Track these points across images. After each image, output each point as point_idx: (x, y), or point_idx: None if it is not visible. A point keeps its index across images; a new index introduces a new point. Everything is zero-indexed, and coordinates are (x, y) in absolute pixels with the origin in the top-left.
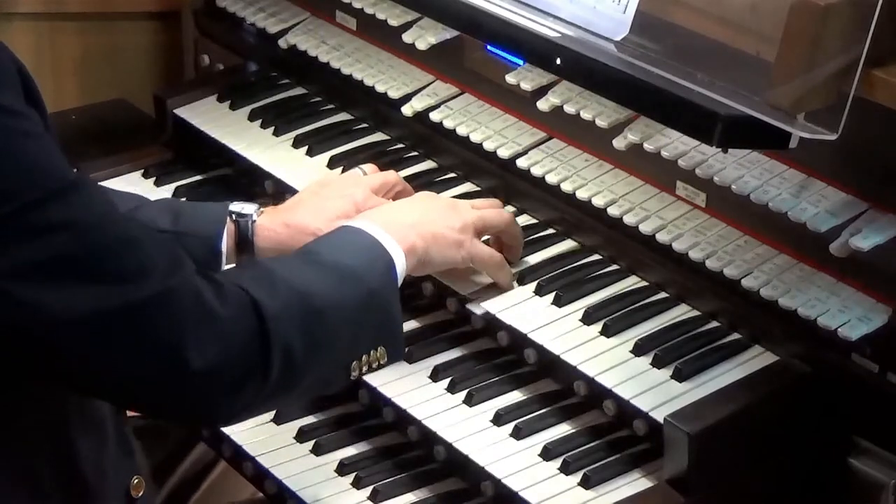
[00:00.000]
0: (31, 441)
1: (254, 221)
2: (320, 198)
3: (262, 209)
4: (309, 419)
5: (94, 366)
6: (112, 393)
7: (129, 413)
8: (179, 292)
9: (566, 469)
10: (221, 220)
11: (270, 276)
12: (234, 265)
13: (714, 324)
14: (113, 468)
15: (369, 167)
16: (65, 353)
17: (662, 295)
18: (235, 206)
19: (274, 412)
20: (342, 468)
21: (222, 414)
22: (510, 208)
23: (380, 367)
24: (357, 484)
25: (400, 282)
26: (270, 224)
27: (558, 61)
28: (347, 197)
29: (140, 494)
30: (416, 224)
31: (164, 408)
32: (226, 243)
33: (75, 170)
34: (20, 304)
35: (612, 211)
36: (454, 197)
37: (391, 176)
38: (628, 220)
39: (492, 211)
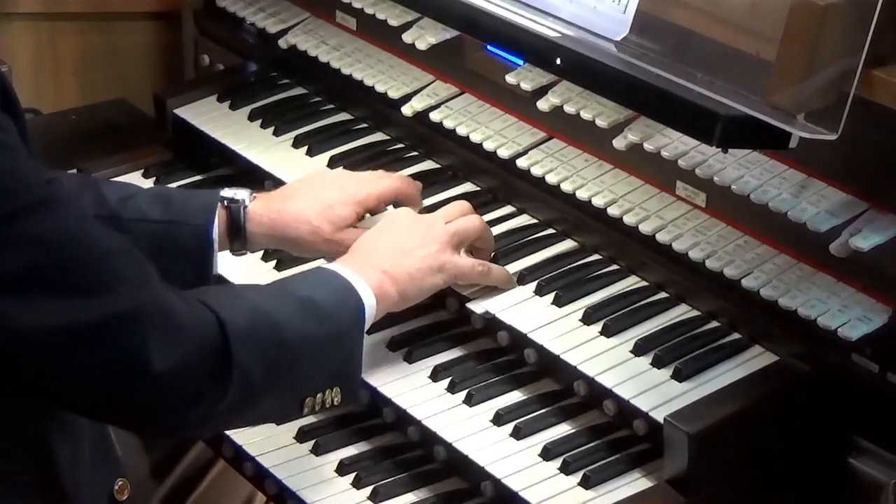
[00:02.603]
0: (6, 447)
1: (246, 207)
2: (315, 186)
3: (254, 195)
4: (309, 419)
5: (58, 377)
6: (75, 403)
7: None
8: (147, 308)
9: (566, 469)
10: (213, 207)
11: (240, 299)
12: (225, 249)
13: (714, 324)
14: (93, 472)
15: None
16: (30, 364)
17: (662, 295)
18: (227, 192)
19: None
20: (342, 468)
21: (178, 423)
22: (510, 208)
23: (332, 406)
24: (357, 484)
25: (368, 325)
26: (264, 210)
27: (558, 61)
28: (339, 189)
29: (125, 498)
30: (390, 267)
31: (124, 417)
32: (217, 230)
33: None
34: None
35: (612, 211)
36: (454, 197)
37: (388, 176)
38: (628, 220)
39: (463, 221)
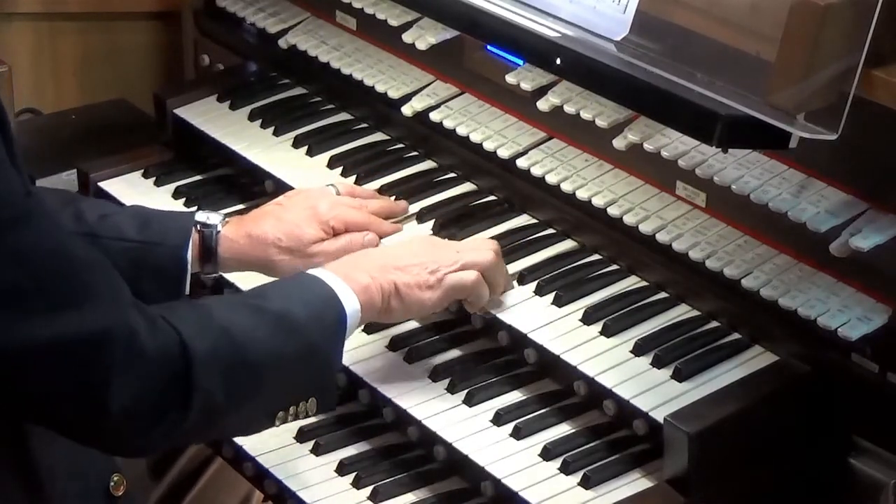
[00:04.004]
0: None
1: (218, 232)
2: (283, 209)
3: (227, 220)
4: (309, 419)
5: (21, 394)
6: (40, 421)
7: None
8: (114, 332)
9: (566, 469)
10: (188, 229)
11: (207, 319)
12: (197, 271)
13: (714, 324)
14: (86, 467)
15: (343, 186)
16: None
17: (662, 295)
18: (201, 216)
19: None
20: (342, 468)
21: (139, 444)
22: (510, 208)
23: (307, 416)
24: (357, 484)
25: (350, 333)
26: (233, 235)
27: (558, 61)
28: (309, 209)
29: (121, 493)
30: (380, 275)
31: (84, 437)
32: (191, 253)
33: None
34: None
35: (612, 211)
36: (453, 197)
37: (359, 190)
38: (628, 220)
39: (473, 252)
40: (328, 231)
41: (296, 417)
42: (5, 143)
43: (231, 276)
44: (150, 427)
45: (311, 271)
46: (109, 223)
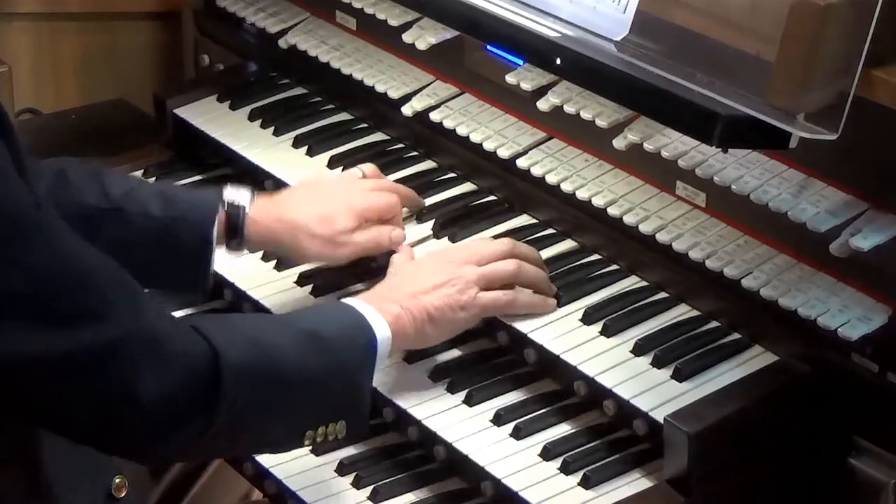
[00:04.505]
0: None
1: (246, 212)
2: (316, 197)
3: (255, 198)
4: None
5: (41, 405)
6: (58, 429)
7: None
8: (136, 337)
9: (566, 469)
10: (214, 207)
11: (238, 330)
12: (223, 248)
13: (714, 324)
14: (89, 469)
15: (368, 167)
16: (11, 390)
17: (662, 295)
18: (229, 195)
19: None
20: (342, 468)
21: (160, 451)
22: (510, 209)
23: (336, 440)
24: (357, 484)
25: (382, 361)
26: (262, 217)
27: (558, 61)
28: (341, 200)
29: (123, 494)
30: (410, 303)
31: (104, 444)
32: (217, 231)
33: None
34: None
35: (612, 211)
36: (453, 197)
37: (387, 183)
38: (628, 220)
39: (493, 267)
40: (360, 223)
41: (325, 439)
42: (12, 154)
43: (231, 276)
44: (174, 432)
45: (343, 300)
46: (135, 198)
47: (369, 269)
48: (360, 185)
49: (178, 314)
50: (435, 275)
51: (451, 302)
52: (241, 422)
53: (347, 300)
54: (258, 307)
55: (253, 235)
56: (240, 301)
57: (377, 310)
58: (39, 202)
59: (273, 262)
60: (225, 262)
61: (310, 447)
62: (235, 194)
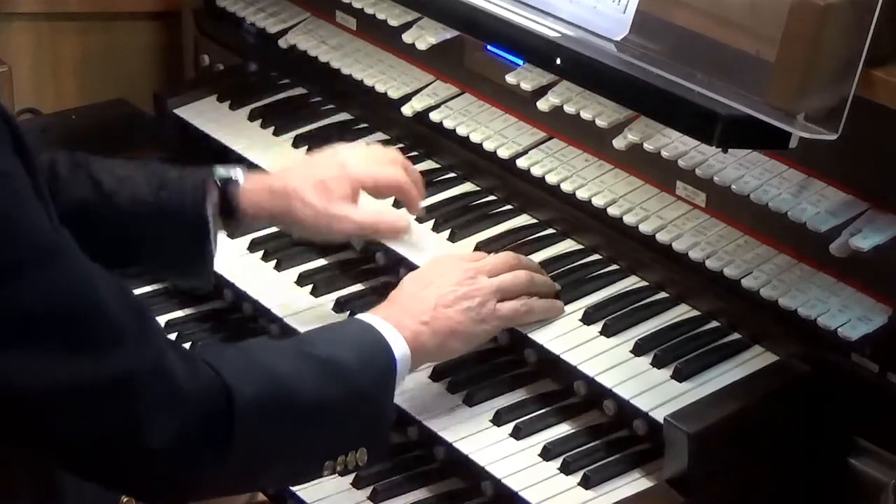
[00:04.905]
0: (5, 467)
1: (238, 184)
2: (308, 164)
3: (247, 173)
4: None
5: (49, 437)
6: (66, 465)
7: None
8: (145, 372)
9: (566, 469)
10: (206, 184)
11: (252, 363)
12: (221, 230)
13: (714, 324)
14: (96, 491)
15: (374, 145)
16: (20, 420)
17: (662, 295)
18: (221, 170)
19: None
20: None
21: (172, 496)
22: (509, 208)
23: (357, 468)
24: (357, 484)
25: (402, 380)
26: (255, 187)
27: (558, 61)
28: (338, 166)
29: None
30: (430, 318)
31: (113, 481)
32: (210, 210)
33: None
34: None
35: (612, 211)
36: (454, 196)
37: (392, 153)
38: (628, 220)
39: (509, 277)
40: (355, 188)
41: (345, 468)
42: (30, 176)
43: (231, 276)
44: (187, 472)
45: (359, 316)
46: (125, 185)
47: (370, 269)
48: (362, 151)
49: (180, 314)
50: (454, 286)
51: (472, 315)
52: (258, 459)
53: (363, 316)
54: (258, 307)
55: (247, 208)
56: (240, 301)
57: (395, 326)
58: (56, 226)
59: (273, 262)
60: (225, 263)
61: (329, 475)
62: (228, 170)
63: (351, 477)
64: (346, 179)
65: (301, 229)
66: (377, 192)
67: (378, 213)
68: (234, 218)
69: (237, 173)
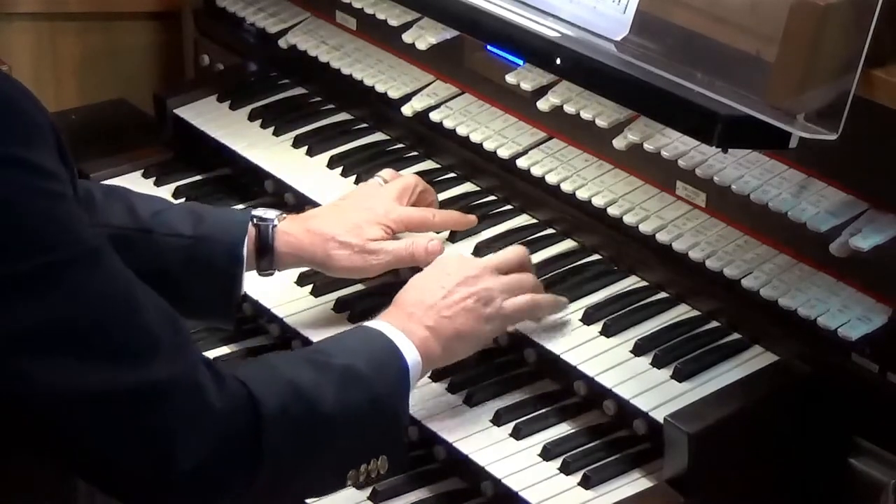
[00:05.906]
0: (26, 479)
1: (275, 226)
2: (340, 209)
3: (283, 215)
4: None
5: (77, 446)
6: (92, 477)
7: None
8: (178, 384)
9: (566, 469)
10: (243, 224)
11: (274, 375)
12: (253, 270)
13: (714, 324)
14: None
15: (388, 173)
16: (49, 427)
17: (662, 295)
18: (258, 211)
19: None
20: None
21: None
22: (509, 208)
23: (379, 477)
24: (357, 484)
25: (413, 385)
26: (291, 229)
27: (558, 61)
28: (367, 210)
29: None
30: (436, 322)
31: (138, 497)
32: (247, 248)
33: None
34: (14, 373)
35: (612, 211)
36: (454, 197)
37: (410, 180)
38: (628, 220)
39: (516, 279)
40: (388, 231)
41: (367, 477)
42: (71, 179)
43: (256, 294)
44: (217, 487)
45: (368, 323)
46: (163, 219)
47: None
48: (382, 193)
49: None
50: (457, 287)
51: (476, 315)
52: (286, 472)
53: (371, 324)
54: (258, 307)
55: (283, 247)
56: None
57: (403, 332)
58: (96, 232)
59: (309, 288)
60: (259, 287)
61: (352, 485)
62: (264, 212)
63: None
64: (376, 223)
65: (337, 269)
66: (406, 230)
67: (411, 242)
68: (267, 258)
69: (273, 214)
